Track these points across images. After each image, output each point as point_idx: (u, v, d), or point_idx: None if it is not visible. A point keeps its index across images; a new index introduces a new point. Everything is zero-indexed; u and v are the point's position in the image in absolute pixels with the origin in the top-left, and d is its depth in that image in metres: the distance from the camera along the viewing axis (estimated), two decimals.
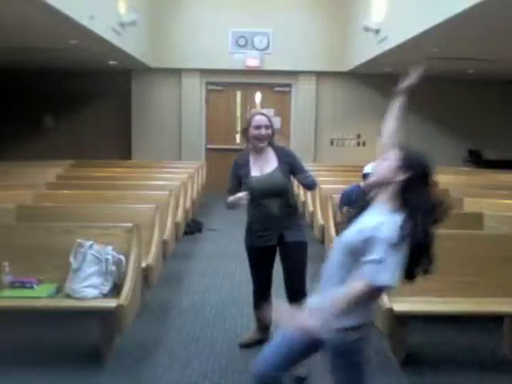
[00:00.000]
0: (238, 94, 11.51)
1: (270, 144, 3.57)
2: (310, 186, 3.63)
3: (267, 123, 3.49)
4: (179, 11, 10.72)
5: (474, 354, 3.79)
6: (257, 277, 3.73)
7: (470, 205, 5.56)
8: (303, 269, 3.59)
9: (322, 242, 6.20)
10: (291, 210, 3.55)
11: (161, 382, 3.35)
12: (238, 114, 11.53)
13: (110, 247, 3.72)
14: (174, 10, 10.69)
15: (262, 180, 3.45)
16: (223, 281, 5.39)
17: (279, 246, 3.55)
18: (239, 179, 3.56)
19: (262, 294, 3.69)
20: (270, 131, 3.51)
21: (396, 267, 2.03)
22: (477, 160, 11.37)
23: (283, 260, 3.58)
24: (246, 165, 3.54)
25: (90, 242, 3.68)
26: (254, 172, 3.50)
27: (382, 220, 2.07)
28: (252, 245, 3.67)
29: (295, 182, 3.68)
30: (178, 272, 5.56)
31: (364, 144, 11.50)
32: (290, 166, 3.50)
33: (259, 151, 3.52)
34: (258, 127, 3.46)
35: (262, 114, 3.52)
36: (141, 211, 4.85)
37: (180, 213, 6.50)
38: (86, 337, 3.84)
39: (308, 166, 9.72)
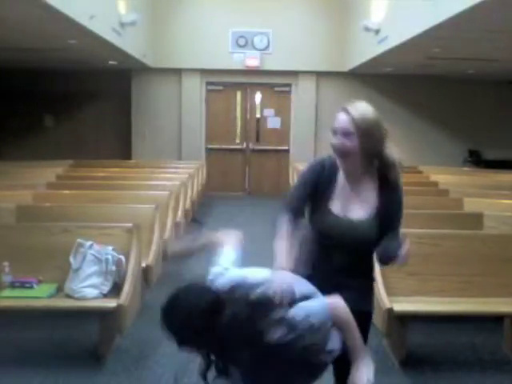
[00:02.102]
0: (238, 94, 11.52)
1: (368, 165, 2.17)
2: (384, 260, 2.24)
3: (347, 127, 2.12)
4: (179, 11, 10.72)
5: (474, 354, 3.79)
6: None
7: (470, 205, 5.55)
8: None
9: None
10: (365, 269, 2.31)
11: (161, 382, 3.35)
12: (238, 114, 11.54)
13: (110, 247, 3.72)
14: (173, 10, 10.68)
15: (341, 226, 2.18)
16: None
17: None
18: (310, 195, 2.26)
19: None
20: (352, 142, 2.11)
21: None
22: (477, 160, 11.37)
23: None
24: (330, 184, 2.23)
25: (90, 242, 3.69)
26: (336, 206, 2.20)
27: None
28: None
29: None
30: (178, 272, 5.55)
31: None
32: (388, 214, 2.21)
33: (349, 173, 2.20)
34: (334, 131, 2.20)
35: (346, 110, 2.14)
36: (141, 211, 4.84)
37: (180, 213, 6.50)
38: (86, 337, 3.84)
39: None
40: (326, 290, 2.12)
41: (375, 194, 2.18)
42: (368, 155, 2.14)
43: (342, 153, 2.16)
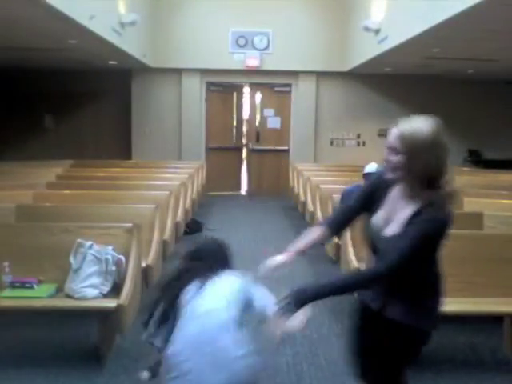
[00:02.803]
0: (238, 94, 11.52)
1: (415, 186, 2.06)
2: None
3: (392, 143, 2.03)
4: (179, 11, 10.72)
5: (473, 354, 3.80)
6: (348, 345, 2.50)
7: (470, 205, 5.56)
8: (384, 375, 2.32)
9: (322, 242, 6.20)
10: (404, 284, 2.14)
11: (161, 383, 3.35)
12: (235, 114, 11.55)
13: (110, 247, 3.71)
14: (174, 10, 10.69)
15: (374, 238, 2.20)
16: None
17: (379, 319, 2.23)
18: (363, 208, 2.27)
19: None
20: (397, 159, 2.02)
21: None
22: (477, 160, 11.38)
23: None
24: (382, 196, 2.20)
25: (90, 242, 3.68)
26: (376, 218, 2.19)
27: None
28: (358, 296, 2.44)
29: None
30: None
31: (364, 144, 11.51)
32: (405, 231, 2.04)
33: (401, 189, 2.13)
34: (386, 146, 2.09)
35: (398, 124, 2.05)
36: (141, 211, 4.85)
37: (180, 213, 6.50)
38: (86, 337, 3.84)
39: (308, 166, 9.82)
40: (374, 292, 2.22)
41: (410, 212, 2.06)
42: (416, 177, 2.02)
43: (387, 168, 2.08)
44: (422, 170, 1.99)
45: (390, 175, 2.08)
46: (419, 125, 2.01)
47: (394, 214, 2.11)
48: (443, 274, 2.22)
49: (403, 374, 2.34)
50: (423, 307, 2.17)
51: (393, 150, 2.03)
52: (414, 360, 2.31)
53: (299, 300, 2.02)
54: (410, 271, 2.07)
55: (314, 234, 2.38)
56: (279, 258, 2.32)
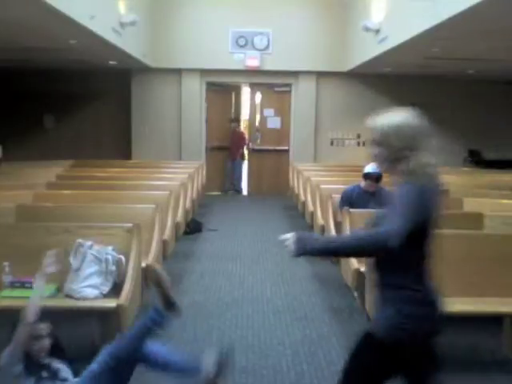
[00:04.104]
0: (238, 94, 11.52)
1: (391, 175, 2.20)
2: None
3: (371, 137, 2.20)
4: (179, 11, 10.72)
5: (474, 354, 3.80)
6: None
7: (470, 205, 5.56)
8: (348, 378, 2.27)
9: None
10: (393, 286, 2.17)
11: (161, 382, 3.35)
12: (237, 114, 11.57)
13: (110, 247, 3.72)
14: (173, 9, 10.69)
15: (377, 216, 2.26)
16: (223, 281, 5.39)
17: None
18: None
19: None
20: (380, 150, 2.16)
21: None
22: (477, 160, 11.38)
23: None
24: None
25: (90, 242, 3.69)
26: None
27: None
28: None
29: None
30: (178, 272, 5.56)
31: (364, 144, 11.50)
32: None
33: (393, 180, 2.22)
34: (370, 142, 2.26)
35: (373, 120, 2.20)
36: (141, 211, 4.85)
37: (180, 213, 6.50)
38: (86, 337, 3.84)
39: (308, 166, 9.82)
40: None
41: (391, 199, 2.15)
42: (394, 164, 2.13)
43: (373, 162, 2.21)
44: (395, 155, 2.11)
45: (379, 169, 2.20)
46: (387, 116, 2.16)
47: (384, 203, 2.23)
48: (429, 285, 2.24)
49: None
50: (402, 322, 2.13)
51: (371, 143, 2.18)
52: (434, 364, 2.31)
53: (302, 248, 2.00)
54: (403, 266, 2.12)
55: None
56: None
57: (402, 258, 2.09)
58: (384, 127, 2.14)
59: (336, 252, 2.18)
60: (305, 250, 2.00)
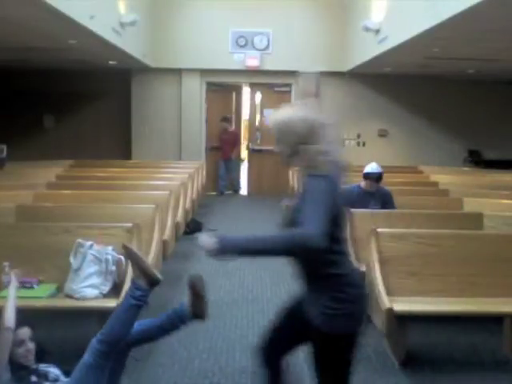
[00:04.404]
0: (239, 94, 11.52)
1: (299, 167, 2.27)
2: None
3: (273, 135, 2.29)
4: (179, 11, 10.72)
5: (474, 354, 3.80)
6: (269, 330, 2.56)
7: (470, 205, 5.56)
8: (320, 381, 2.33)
9: None
10: (317, 275, 2.27)
11: (161, 382, 3.35)
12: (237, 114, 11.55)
13: (110, 247, 3.71)
14: (173, 9, 10.68)
15: (285, 212, 2.39)
16: (223, 281, 5.38)
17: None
18: None
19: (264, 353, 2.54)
20: (280, 146, 2.26)
21: None
22: (477, 160, 11.38)
23: None
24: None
25: (90, 242, 3.68)
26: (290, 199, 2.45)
27: None
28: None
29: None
30: (178, 272, 5.56)
31: (364, 144, 11.51)
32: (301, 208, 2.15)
33: (299, 173, 2.36)
34: None
35: (269, 119, 2.27)
36: (141, 211, 4.85)
37: (180, 213, 6.50)
38: (86, 337, 3.83)
39: None
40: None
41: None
42: (295, 158, 2.22)
43: (281, 158, 2.30)
44: (290, 148, 2.20)
45: (284, 164, 2.30)
46: (283, 112, 2.24)
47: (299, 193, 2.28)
48: (352, 267, 2.31)
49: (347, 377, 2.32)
50: (339, 308, 2.18)
51: (275, 141, 2.27)
52: (350, 363, 2.28)
53: (223, 249, 2.12)
54: (320, 261, 2.17)
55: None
56: None
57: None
58: (278, 124, 2.22)
59: (257, 253, 2.27)
60: (226, 251, 2.12)
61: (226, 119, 11.05)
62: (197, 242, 2.19)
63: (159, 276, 2.73)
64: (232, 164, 11.26)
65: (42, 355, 2.76)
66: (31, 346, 2.69)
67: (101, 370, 2.58)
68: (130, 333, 2.66)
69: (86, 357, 2.58)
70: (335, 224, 2.18)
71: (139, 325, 2.79)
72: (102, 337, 2.61)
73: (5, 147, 8.48)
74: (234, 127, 11.62)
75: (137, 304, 2.66)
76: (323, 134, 2.21)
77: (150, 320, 2.90)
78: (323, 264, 2.20)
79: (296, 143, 2.18)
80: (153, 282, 2.71)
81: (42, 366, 2.71)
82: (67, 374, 2.69)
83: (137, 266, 2.72)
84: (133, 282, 2.73)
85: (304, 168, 2.20)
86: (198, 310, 2.72)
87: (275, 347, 2.51)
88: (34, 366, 2.68)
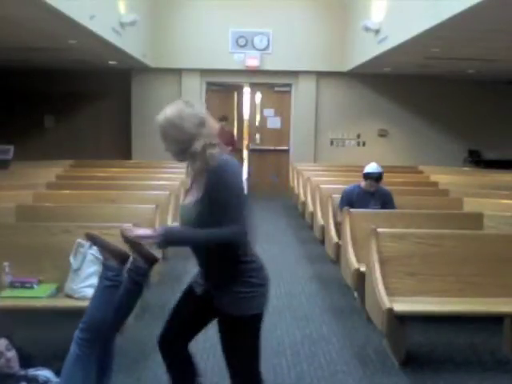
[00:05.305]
0: (239, 94, 11.52)
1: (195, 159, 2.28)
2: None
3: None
4: (179, 11, 10.72)
5: (474, 354, 3.79)
6: (169, 317, 2.63)
7: (470, 205, 5.57)
8: (235, 366, 2.45)
9: (322, 242, 6.21)
10: (227, 263, 2.32)
11: (161, 382, 3.35)
12: (238, 114, 11.54)
13: None
14: (173, 9, 10.69)
15: (182, 211, 2.40)
16: None
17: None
18: None
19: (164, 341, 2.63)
20: (165, 146, 2.32)
21: None
22: (477, 160, 11.38)
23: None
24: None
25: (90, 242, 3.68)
26: (184, 197, 2.48)
27: None
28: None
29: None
30: (178, 272, 5.55)
31: (364, 144, 11.51)
32: (213, 201, 2.20)
33: (190, 168, 2.37)
34: None
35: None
36: (141, 211, 4.85)
37: None
38: None
39: (308, 166, 9.82)
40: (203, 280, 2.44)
41: (204, 182, 2.24)
42: (186, 154, 2.26)
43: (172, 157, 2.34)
44: (187, 145, 2.23)
45: (177, 160, 2.34)
46: (166, 110, 2.28)
47: (192, 189, 2.34)
48: (254, 253, 2.35)
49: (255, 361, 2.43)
50: (252, 291, 2.29)
51: (163, 139, 2.30)
52: (259, 344, 2.40)
53: (166, 241, 2.25)
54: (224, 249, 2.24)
55: None
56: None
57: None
58: (162, 123, 2.25)
59: (194, 245, 2.38)
60: (170, 242, 2.33)
61: (225, 118, 10.87)
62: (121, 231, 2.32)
63: (156, 255, 2.70)
64: None
65: (28, 360, 2.74)
66: (10, 354, 2.68)
67: (87, 360, 2.55)
68: (110, 316, 2.61)
69: (72, 350, 2.56)
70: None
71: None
72: (83, 325, 2.58)
73: (12, 148, 8.46)
74: (229, 127, 11.47)
75: (112, 285, 2.64)
76: (209, 127, 2.27)
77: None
78: (233, 250, 2.28)
79: (183, 140, 2.23)
80: (123, 257, 2.69)
81: (31, 371, 2.69)
82: (59, 373, 2.67)
83: (106, 250, 2.70)
84: (103, 264, 2.71)
85: (198, 162, 2.25)
86: (143, 253, 2.67)
87: (176, 337, 2.60)
88: (22, 372, 2.66)
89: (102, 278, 2.67)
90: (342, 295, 4.93)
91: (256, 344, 2.39)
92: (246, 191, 2.32)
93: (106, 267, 2.68)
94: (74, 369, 2.53)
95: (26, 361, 2.73)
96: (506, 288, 3.74)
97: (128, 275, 2.68)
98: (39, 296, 3.51)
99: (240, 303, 2.28)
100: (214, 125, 2.32)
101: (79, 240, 3.69)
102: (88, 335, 2.55)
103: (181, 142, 2.24)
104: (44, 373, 2.71)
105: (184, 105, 2.28)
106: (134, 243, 2.54)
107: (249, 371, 2.43)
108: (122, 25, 7.89)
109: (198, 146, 2.21)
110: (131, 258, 2.72)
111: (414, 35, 6.47)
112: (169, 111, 2.27)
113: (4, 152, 8.25)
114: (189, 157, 2.27)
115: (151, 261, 2.67)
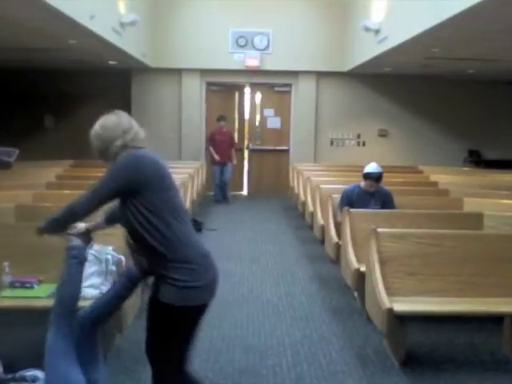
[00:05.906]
0: (239, 94, 11.52)
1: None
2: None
3: None
4: (179, 11, 10.72)
5: (473, 354, 3.79)
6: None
7: (470, 205, 5.57)
8: (156, 346, 2.50)
9: (322, 241, 6.21)
10: (144, 246, 2.44)
11: None
12: (236, 114, 11.54)
13: (110, 247, 3.71)
14: (173, 9, 10.69)
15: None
16: (223, 281, 5.34)
17: None
18: None
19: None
20: (95, 151, 2.71)
21: None
22: (477, 160, 11.39)
23: None
24: None
25: (90, 242, 3.67)
26: None
27: None
28: None
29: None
30: None
31: (364, 144, 11.51)
32: None
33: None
34: None
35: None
36: None
37: None
38: None
39: (308, 166, 9.82)
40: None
41: None
42: (110, 158, 2.64)
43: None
44: (106, 154, 2.62)
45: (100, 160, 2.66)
46: (97, 122, 2.55)
47: None
48: (191, 242, 2.42)
49: (184, 354, 2.50)
50: (178, 281, 2.31)
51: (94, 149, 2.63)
52: (189, 336, 2.46)
53: (46, 228, 2.58)
54: (143, 235, 2.36)
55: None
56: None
57: (157, 225, 2.37)
58: (91, 137, 2.57)
59: (57, 224, 2.60)
60: (48, 230, 2.58)
61: (223, 118, 10.67)
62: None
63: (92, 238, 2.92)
64: (228, 169, 10.20)
65: (11, 364, 2.74)
66: None
67: (63, 339, 2.62)
68: (80, 291, 2.69)
69: (48, 338, 2.62)
70: (160, 198, 2.46)
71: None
72: (55, 303, 2.68)
73: (17, 151, 8.42)
74: (228, 127, 11.25)
75: (78, 262, 2.71)
76: (134, 134, 2.65)
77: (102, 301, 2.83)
78: (164, 236, 2.38)
79: (106, 148, 2.59)
80: (146, 273, 2.69)
81: (20, 373, 2.70)
82: None
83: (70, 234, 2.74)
84: (69, 246, 2.73)
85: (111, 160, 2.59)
86: (141, 264, 2.67)
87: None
88: (10, 376, 2.67)
89: (69, 257, 2.72)
90: (342, 295, 4.93)
91: (190, 336, 2.49)
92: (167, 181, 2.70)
93: (71, 247, 2.73)
94: (54, 348, 2.63)
95: (10, 365, 2.75)
96: (506, 288, 3.74)
97: (120, 280, 2.72)
98: (39, 296, 3.50)
99: (180, 289, 2.32)
100: (140, 131, 2.71)
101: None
102: (60, 310, 2.64)
103: (105, 151, 2.61)
104: (33, 372, 2.72)
105: (111, 115, 2.57)
106: (135, 250, 2.60)
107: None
108: (122, 25, 7.89)
109: (115, 149, 2.57)
110: (123, 259, 2.76)
111: (414, 35, 6.47)
112: (96, 126, 2.55)
113: (8, 154, 8.22)
114: (107, 159, 2.64)
115: (145, 272, 2.67)
